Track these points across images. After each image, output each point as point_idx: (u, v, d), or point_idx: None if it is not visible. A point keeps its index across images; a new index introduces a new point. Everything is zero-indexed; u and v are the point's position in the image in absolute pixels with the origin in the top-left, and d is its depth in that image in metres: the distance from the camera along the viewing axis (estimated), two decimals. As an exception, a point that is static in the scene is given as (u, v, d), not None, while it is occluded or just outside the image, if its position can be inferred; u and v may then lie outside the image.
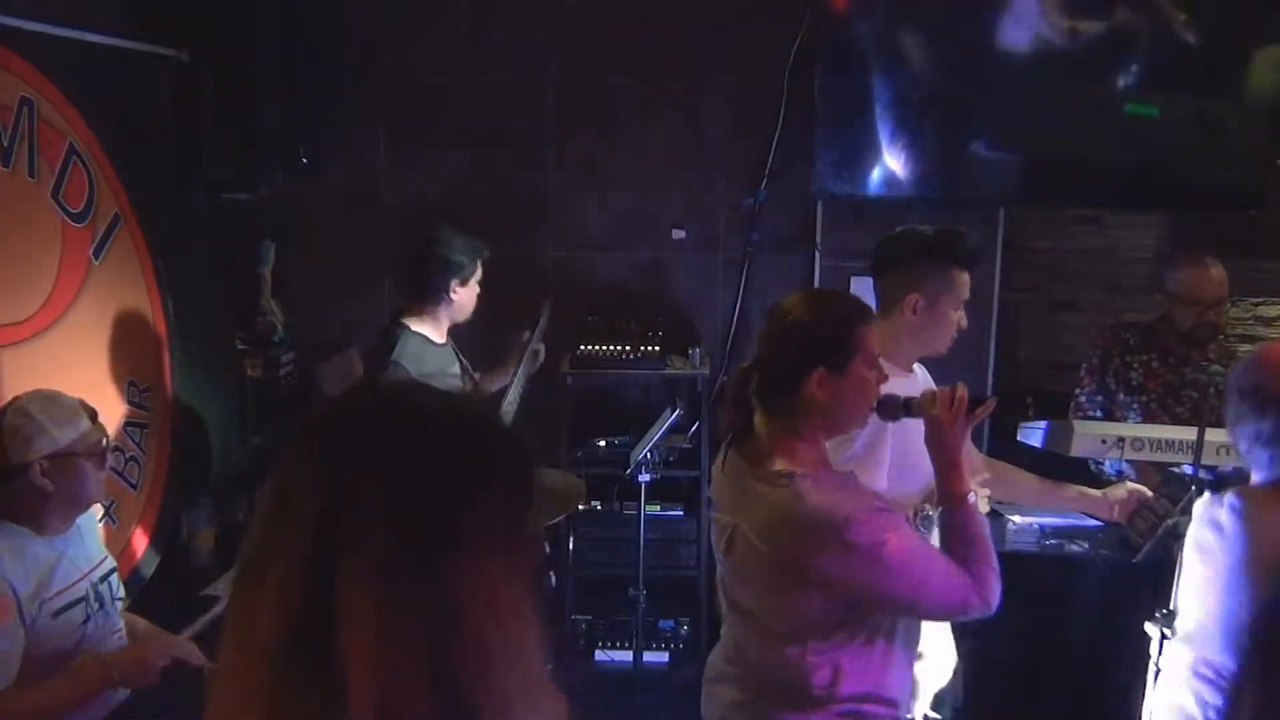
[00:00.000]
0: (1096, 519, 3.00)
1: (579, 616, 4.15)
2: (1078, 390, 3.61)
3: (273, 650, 0.84)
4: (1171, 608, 2.13)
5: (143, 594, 3.29)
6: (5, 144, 2.82)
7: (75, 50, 3.14)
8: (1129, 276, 4.41)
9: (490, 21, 4.33)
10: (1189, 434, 3.00)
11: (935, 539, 2.06)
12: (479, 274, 3.36)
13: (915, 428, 2.09)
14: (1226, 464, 2.75)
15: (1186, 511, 2.65)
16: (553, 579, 3.95)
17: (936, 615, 1.94)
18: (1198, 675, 2.02)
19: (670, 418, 3.58)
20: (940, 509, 2.00)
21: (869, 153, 4.02)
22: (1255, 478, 2.06)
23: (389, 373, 3.12)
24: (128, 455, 3.33)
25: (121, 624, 2.48)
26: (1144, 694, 2.18)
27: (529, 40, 4.34)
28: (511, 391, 3.45)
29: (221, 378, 3.91)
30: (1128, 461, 3.27)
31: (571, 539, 4.11)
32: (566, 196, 4.43)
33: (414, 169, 4.38)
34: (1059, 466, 3.25)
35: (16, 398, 2.33)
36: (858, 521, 1.79)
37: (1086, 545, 3.03)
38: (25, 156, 2.91)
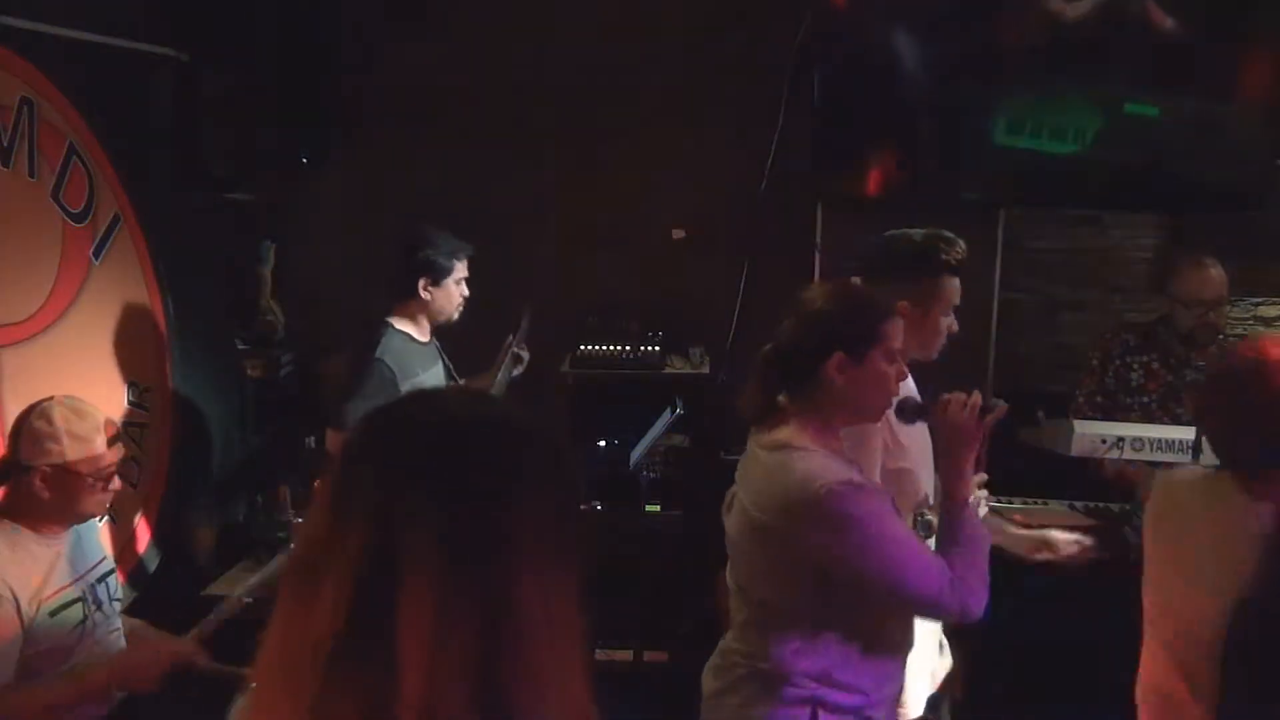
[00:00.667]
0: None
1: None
2: (1077, 392, 3.61)
3: (324, 649, 0.86)
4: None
5: (143, 594, 3.30)
6: (5, 144, 2.83)
7: (75, 50, 3.14)
8: (1129, 276, 4.41)
9: (490, 21, 4.33)
10: (1189, 434, 3.00)
11: (933, 545, 2.06)
12: (459, 274, 3.30)
13: (914, 435, 2.09)
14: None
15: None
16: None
17: (909, 604, 1.93)
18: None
19: (670, 417, 3.58)
20: (941, 511, 2.01)
21: (869, 152, 4.02)
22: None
23: (373, 371, 3.10)
24: (128, 455, 3.32)
25: (120, 624, 2.48)
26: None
27: (529, 40, 4.34)
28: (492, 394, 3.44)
29: (221, 378, 3.91)
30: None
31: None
32: (566, 196, 4.43)
33: (414, 169, 4.38)
34: (1058, 466, 3.25)
35: (50, 399, 2.33)
36: (837, 493, 1.81)
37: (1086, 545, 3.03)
38: (25, 156, 2.91)
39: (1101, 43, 3.84)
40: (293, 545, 0.94)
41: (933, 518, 2.18)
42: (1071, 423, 3.22)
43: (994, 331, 4.26)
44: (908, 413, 2.08)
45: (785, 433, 1.93)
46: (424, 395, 1.02)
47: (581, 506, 0.96)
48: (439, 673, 0.85)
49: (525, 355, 3.63)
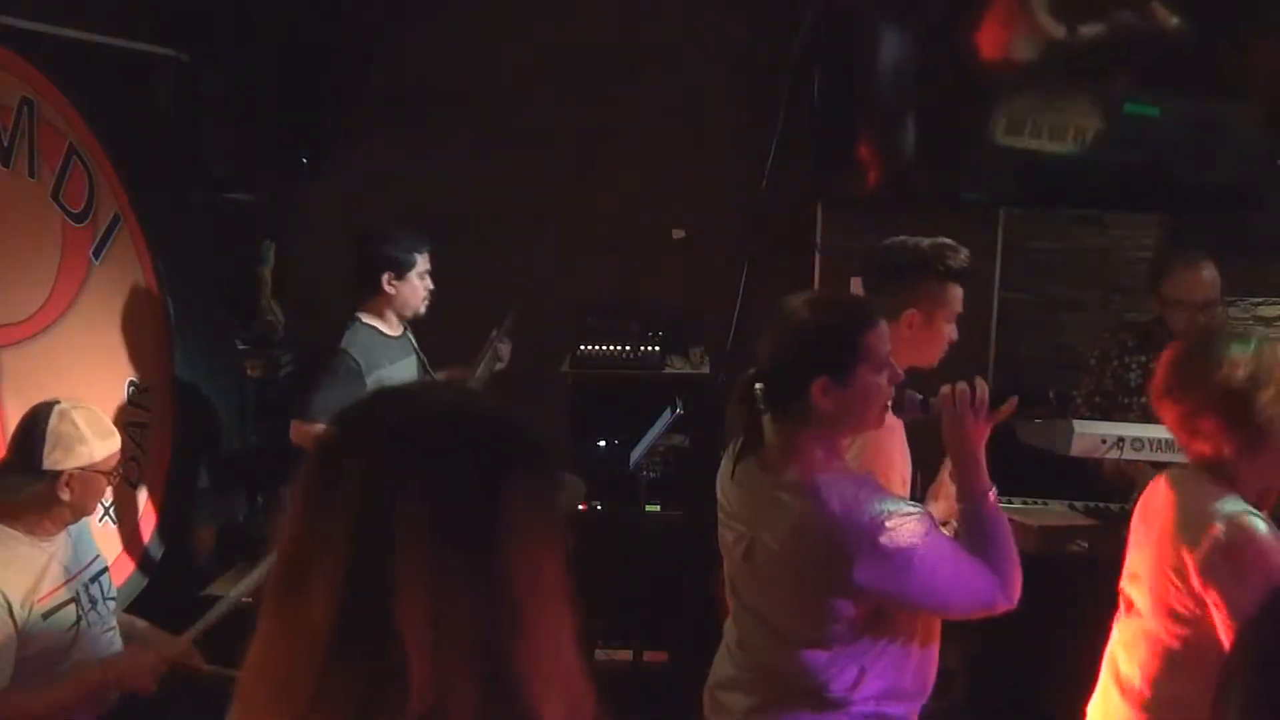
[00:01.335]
0: None
1: (579, 615, 4.14)
2: (1075, 392, 3.61)
3: (319, 651, 0.86)
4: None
5: (143, 594, 3.30)
6: (5, 144, 2.83)
7: (75, 50, 3.14)
8: (1129, 276, 4.40)
9: (490, 21, 4.33)
10: (1188, 434, 3.00)
11: None
12: (421, 267, 3.30)
13: (889, 437, 2.08)
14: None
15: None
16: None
17: (964, 615, 1.93)
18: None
19: (669, 417, 3.58)
20: (960, 505, 1.99)
21: (869, 152, 4.02)
22: None
23: (338, 362, 3.13)
24: (128, 455, 3.33)
25: (115, 623, 2.49)
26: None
27: (529, 40, 4.34)
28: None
29: (222, 377, 3.92)
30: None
31: (571, 538, 4.10)
32: (566, 196, 4.43)
33: (414, 169, 4.38)
34: (1058, 466, 3.25)
35: (55, 402, 2.33)
36: (888, 527, 1.76)
37: (1086, 545, 3.03)
38: (25, 156, 2.91)
39: (1102, 43, 3.84)
40: (274, 552, 0.93)
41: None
42: (1071, 423, 3.22)
43: (994, 331, 4.26)
44: (908, 409, 2.03)
45: (798, 470, 1.86)
46: (398, 390, 1.03)
47: (562, 487, 0.98)
48: (443, 657, 0.86)
49: (506, 351, 3.61)
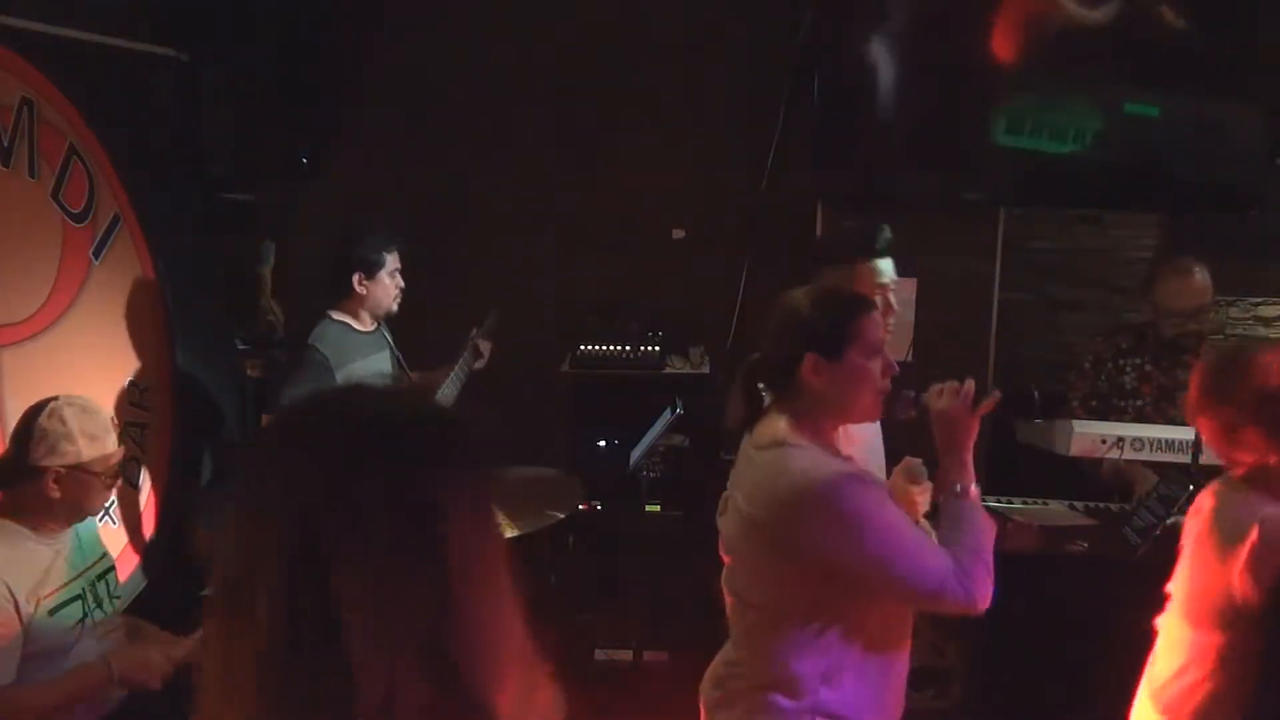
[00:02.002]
0: None
1: (579, 615, 4.15)
2: (1070, 395, 3.61)
3: (269, 657, 0.86)
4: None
5: (143, 594, 3.30)
6: (5, 144, 2.83)
7: (75, 50, 3.14)
8: (1129, 276, 4.41)
9: (490, 21, 4.33)
10: (1187, 434, 3.01)
11: None
12: (391, 266, 3.33)
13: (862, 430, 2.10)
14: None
15: (1184, 511, 2.65)
16: (553, 578, 3.94)
17: (913, 596, 1.90)
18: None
19: (669, 417, 3.58)
20: (941, 499, 2.00)
21: (869, 152, 4.02)
22: None
23: (306, 358, 3.16)
24: (128, 455, 3.33)
25: (119, 622, 2.49)
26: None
27: (529, 40, 4.34)
28: (448, 384, 3.46)
29: (222, 377, 3.92)
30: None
31: (571, 539, 4.11)
32: (566, 196, 4.43)
33: (413, 169, 4.38)
34: (1058, 466, 3.25)
35: (55, 399, 2.33)
36: (841, 488, 1.81)
37: (1086, 545, 3.03)
38: (25, 156, 2.91)
39: (1102, 43, 3.84)
40: (214, 565, 0.92)
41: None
42: (1071, 423, 3.22)
43: (994, 331, 4.26)
44: (902, 406, 2.06)
45: (778, 430, 1.92)
46: (330, 393, 1.03)
47: (498, 480, 0.99)
48: (390, 657, 0.86)
49: (485, 350, 3.60)
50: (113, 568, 2.53)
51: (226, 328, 4.13)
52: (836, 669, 1.89)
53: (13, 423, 2.42)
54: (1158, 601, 2.18)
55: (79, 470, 2.28)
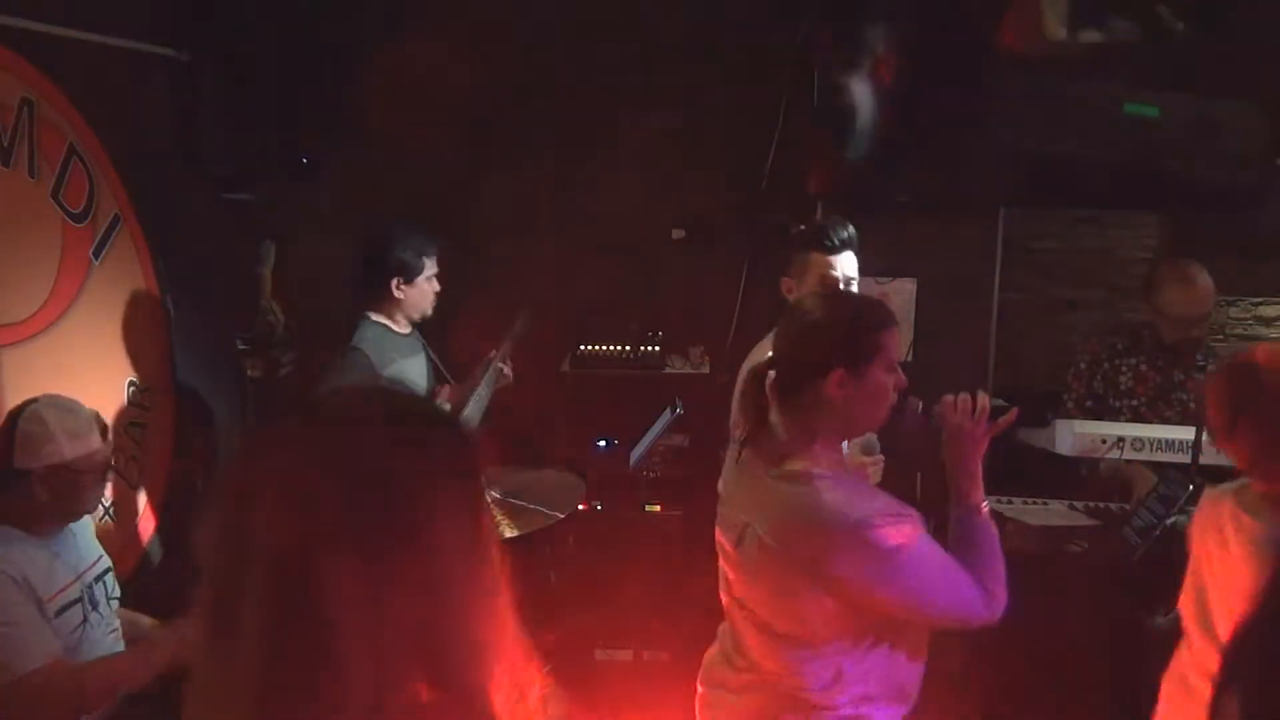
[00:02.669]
0: None
1: (579, 615, 4.15)
2: (1065, 396, 3.60)
3: (257, 656, 0.86)
4: (1177, 608, 2.14)
5: (143, 594, 3.29)
6: (5, 144, 2.83)
7: (75, 50, 3.14)
8: (1129, 276, 4.41)
9: (490, 21, 4.33)
10: (1187, 433, 3.01)
11: None
12: (429, 271, 3.28)
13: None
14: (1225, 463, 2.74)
15: (1184, 511, 2.65)
16: (553, 578, 3.95)
17: (947, 623, 1.93)
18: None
19: (669, 417, 3.58)
20: (952, 515, 1.99)
21: (869, 152, 4.02)
22: None
23: (352, 360, 3.12)
24: (128, 455, 3.33)
25: (118, 623, 2.48)
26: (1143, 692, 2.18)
27: (529, 40, 4.33)
28: (471, 404, 3.37)
29: (222, 377, 3.91)
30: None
31: (571, 538, 4.11)
32: (566, 196, 4.43)
33: (413, 169, 4.38)
34: (1058, 466, 3.25)
35: (34, 400, 2.32)
36: (876, 524, 1.78)
37: (1086, 545, 3.03)
38: (25, 156, 2.91)
39: (1102, 43, 3.84)
40: (197, 587, 0.92)
41: None
42: (1071, 423, 3.23)
43: (994, 331, 4.26)
44: (910, 419, 2.05)
45: (798, 463, 1.88)
46: (321, 394, 1.03)
47: (482, 476, 0.99)
48: (383, 656, 0.86)
49: (508, 370, 3.50)
50: (111, 569, 2.52)
51: (226, 328, 4.13)
52: (876, 690, 1.90)
53: (-3, 429, 2.41)
54: (1157, 602, 2.17)
55: (64, 470, 2.26)
